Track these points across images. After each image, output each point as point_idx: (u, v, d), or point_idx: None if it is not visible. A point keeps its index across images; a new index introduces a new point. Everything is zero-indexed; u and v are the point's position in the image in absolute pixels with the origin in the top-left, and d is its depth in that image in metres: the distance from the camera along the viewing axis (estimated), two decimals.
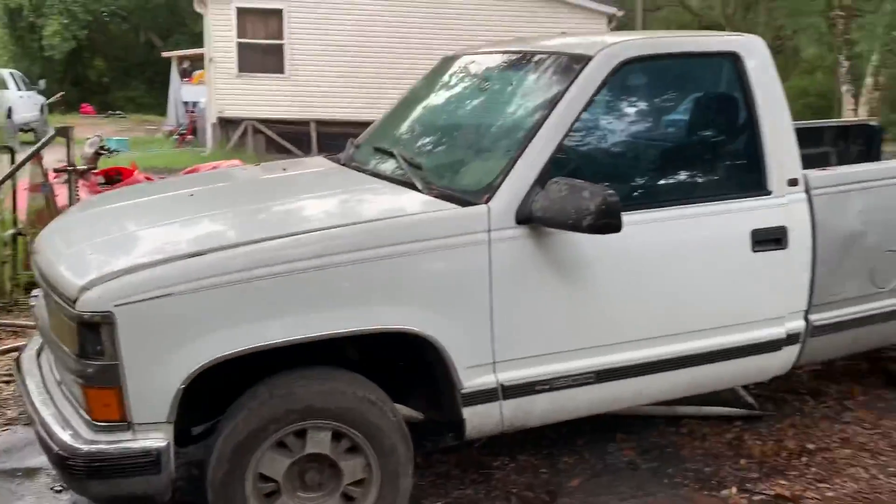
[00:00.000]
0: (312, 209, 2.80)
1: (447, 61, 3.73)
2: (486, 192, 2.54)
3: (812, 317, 3.06)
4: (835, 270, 3.05)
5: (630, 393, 2.83)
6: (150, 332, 2.19)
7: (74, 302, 2.18)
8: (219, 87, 16.17)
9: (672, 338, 2.79)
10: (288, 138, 16.48)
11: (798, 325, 3.03)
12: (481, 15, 16.70)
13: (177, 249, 2.34)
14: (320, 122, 16.56)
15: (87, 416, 2.25)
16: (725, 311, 2.87)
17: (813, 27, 23.72)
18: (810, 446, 3.38)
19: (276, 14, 15.89)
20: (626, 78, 2.83)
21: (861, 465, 3.23)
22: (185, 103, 22.34)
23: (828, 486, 3.06)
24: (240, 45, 15.95)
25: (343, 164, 3.34)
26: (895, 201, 3.18)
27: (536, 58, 3.06)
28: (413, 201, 2.63)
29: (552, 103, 2.70)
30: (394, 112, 3.74)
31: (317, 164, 3.58)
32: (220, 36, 15.96)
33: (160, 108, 30.79)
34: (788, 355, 3.06)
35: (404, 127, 3.50)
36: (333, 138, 16.13)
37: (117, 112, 29.10)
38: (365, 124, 15.68)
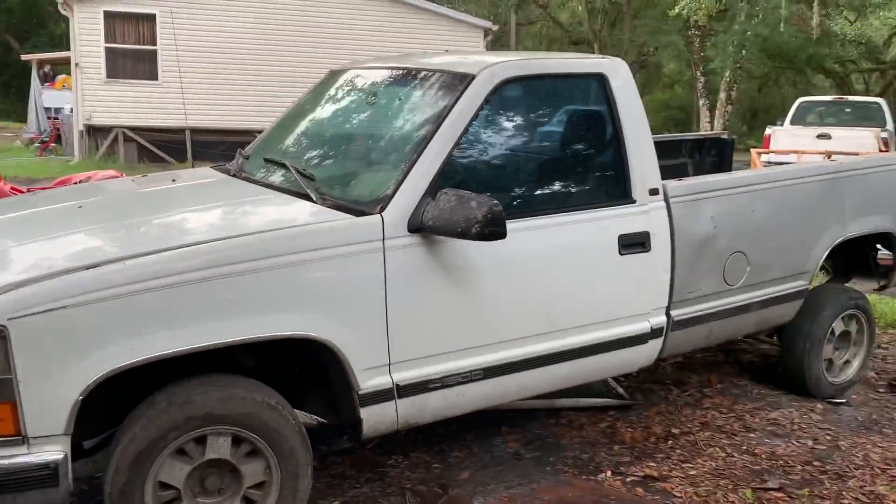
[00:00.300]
0: (205, 220, 2.84)
1: (334, 74, 3.84)
2: (379, 203, 2.68)
3: (673, 312, 3.39)
4: (692, 270, 3.39)
5: (515, 387, 3.03)
6: (45, 346, 2.18)
7: None
8: (86, 94, 15.45)
9: (551, 335, 3.02)
10: (161, 146, 15.96)
11: (661, 320, 3.34)
12: (364, 26, 16.84)
13: (70, 262, 2.33)
14: (195, 130, 16.12)
15: None
16: (597, 310, 3.14)
17: (672, 45, 25.35)
18: (675, 431, 3.71)
19: (149, 19, 15.38)
20: (505, 95, 3.04)
21: (718, 445, 3.59)
22: (47, 109, 21.10)
23: (690, 465, 3.38)
24: (108, 49, 15.31)
25: (233, 175, 3.39)
26: (742, 208, 3.57)
27: (423, 74, 3.23)
28: (308, 212, 2.73)
29: (440, 118, 2.87)
30: (282, 123, 3.81)
31: (206, 174, 3.59)
32: (87, 40, 15.27)
33: (17, 114, 28.91)
34: (653, 348, 3.37)
35: (294, 138, 3.58)
36: (208, 146, 15.80)
37: None
38: (241, 132, 15.62)
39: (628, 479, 3.24)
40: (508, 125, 3.11)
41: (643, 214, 3.21)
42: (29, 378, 2.17)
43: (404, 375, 2.72)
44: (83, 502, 2.89)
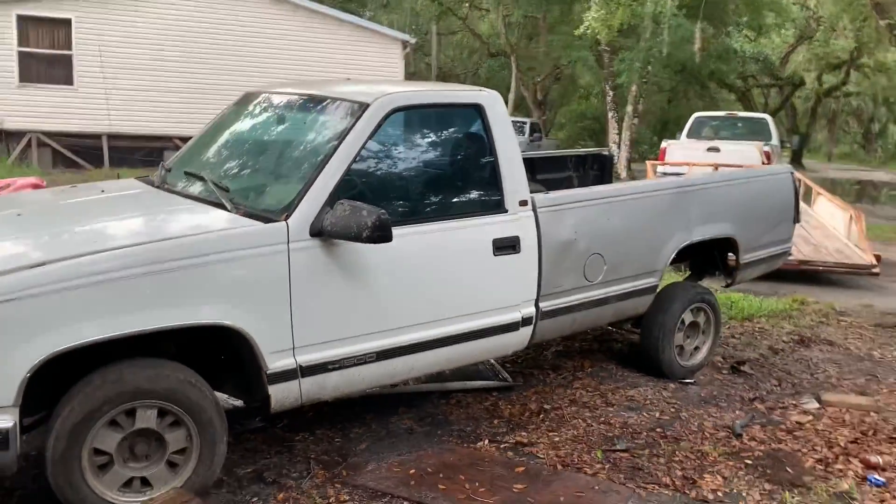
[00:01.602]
0: (132, 227, 3.28)
1: (249, 96, 4.32)
2: (285, 211, 3.18)
3: (541, 304, 4.00)
4: (556, 269, 4.01)
5: (404, 368, 3.58)
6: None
7: None
8: None
9: (434, 323, 3.58)
10: (77, 152, 15.89)
11: (530, 310, 3.95)
12: (285, 35, 17.16)
13: (15, 262, 2.75)
14: (112, 136, 16.15)
15: None
16: (475, 301, 3.71)
17: (582, 59, 26.49)
18: (546, 407, 4.33)
19: (65, 24, 15.32)
20: (395, 121, 3.59)
21: (581, 417, 4.22)
22: None
23: (556, 434, 3.99)
24: (21, 53, 15.17)
25: (157, 187, 3.82)
26: (599, 216, 4.21)
27: (326, 101, 3.76)
28: (223, 219, 3.21)
29: (339, 139, 3.39)
30: (200, 139, 4.25)
31: (132, 185, 4.00)
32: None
33: None
34: (524, 334, 3.97)
35: (211, 154, 4.03)
36: (126, 152, 15.89)
37: None
38: (156, 138, 15.82)
39: (502, 446, 3.83)
40: (398, 146, 3.66)
41: (514, 222, 3.81)
42: None
43: (306, 358, 3.22)
44: (20, 476, 3.27)
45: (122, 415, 2.90)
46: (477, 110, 3.81)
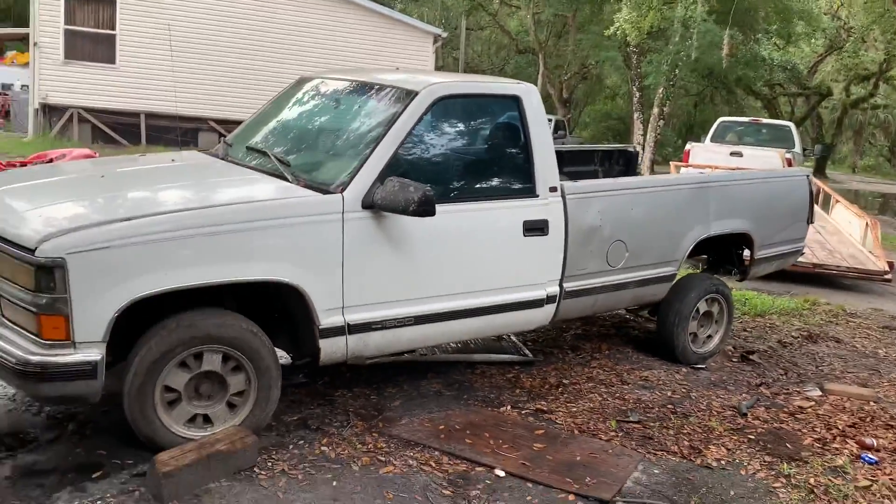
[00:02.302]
0: (214, 190, 3.66)
1: (302, 81, 4.68)
2: (340, 185, 3.53)
3: (565, 284, 4.32)
4: (581, 252, 4.33)
5: (438, 333, 3.92)
6: (92, 275, 2.96)
7: (33, 251, 2.91)
8: (43, 73, 15.78)
9: (467, 294, 3.92)
10: (116, 129, 16.37)
11: (555, 289, 4.28)
12: (323, 25, 17.53)
13: (110, 214, 3.13)
14: (149, 115, 16.61)
15: (35, 337, 2.97)
16: (504, 277, 4.05)
17: (610, 60, 26.65)
18: (565, 381, 4.66)
19: (110, 4, 15.79)
20: (441, 109, 3.92)
21: (597, 392, 4.54)
22: None
23: (573, 405, 4.32)
24: (67, 31, 15.67)
25: (222, 158, 4.19)
26: (623, 206, 4.53)
27: (378, 87, 4.11)
28: (286, 189, 3.57)
29: (389, 123, 3.74)
30: (258, 117, 4.61)
31: (198, 157, 4.38)
32: (47, 21, 15.60)
33: None
34: (548, 311, 4.30)
35: (269, 131, 4.38)
36: (162, 130, 16.33)
37: None
38: (192, 119, 16.38)
39: (523, 412, 4.16)
40: (442, 131, 3.99)
41: (543, 206, 4.14)
42: (78, 298, 2.95)
43: (353, 317, 3.57)
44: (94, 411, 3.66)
45: (191, 357, 3.26)
46: (515, 101, 4.14)
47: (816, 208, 12.03)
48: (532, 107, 4.17)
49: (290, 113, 4.46)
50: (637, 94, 24.56)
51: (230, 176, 3.86)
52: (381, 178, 3.56)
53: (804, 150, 18.84)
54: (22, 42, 22.90)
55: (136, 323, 3.22)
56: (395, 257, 3.66)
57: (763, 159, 13.61)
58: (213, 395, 3.38)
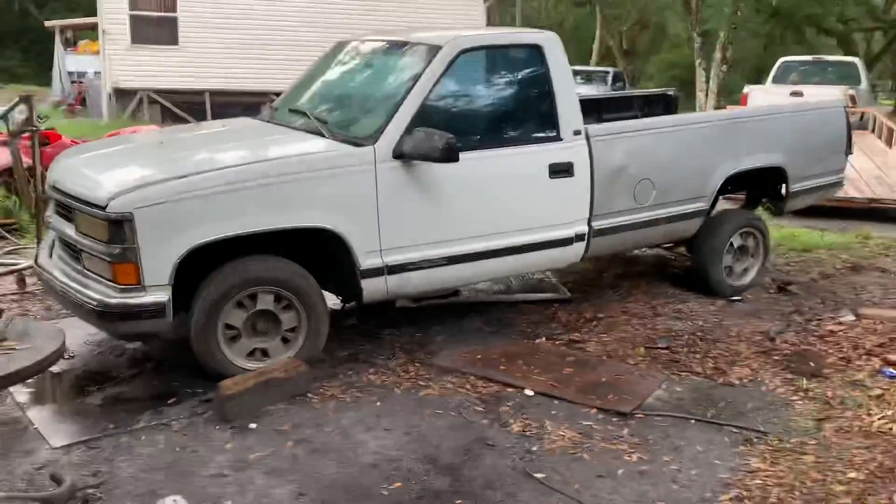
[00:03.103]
0: (260, 148, 4.03)
1: (340, 45, 5.00)
2: (373, 138, 3.85)
3: (593, 223, 4.55)
4: (608, 192, 4.55)
5: (470, 273, 4.24)
6: (157, 226, 3.38)
7: (105, 208, 3.35)
8: (113, 59, 16.58)
9: (497, 235, 4.20)
10: (183, 108, 17.10)
11: (583, 228, 4.52)
12: None
13: (169, 173, 3.54)
14: (213, 92, 17.27)
15: (111, 283, 3.42)
16: (534, 217, 4.31)
17: (669, 7, 26.02)
18: (600, 315, 4.91)
19: None
20: (464, 61, 4.17)
21: (630, 324, 4.77)
22: (70, 73, 22.22)
23: (606, 335, 4.57)
24: (132, 17, 16.39)
25: (268, 121, 4.57)
26: (648, 145, 4.71)
27: (406, 45, 4.39)
28: (324, 144, 3.91)
29: (416, 78, 4.03)
30: (300, 82, 4.96)
31: (245, 121, 4.77)
32: (113, 8, 16.35)
33: (38, 77, 29.97)
34: (578, 249, 4.55)
35: (310, 93, 4.73)
36: (226, 107, 16.94)
37: None
38: (254, 94, 17.05)
39: (557, 342, 4.45)
40: (467, 82, 4.26)
41: (568, 149, 4.36)
42: (146, 247, 3.37)
43: (391, 259, 3.91)
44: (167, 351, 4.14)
45: (247, 298, 3.67)
46: (537, 50, 4.35)
47: (878, 142, 11.75)
48: (554, 55, 4.37)
49: (328, 75, 4.80)
50: (698, 41, 23.99)
51: (273, 136, 4.23)
52: (410, 129, 3.86)
53: (873, 85, 18.18)
54: (92, 31, 23.97)
55: (199, 270, 3.64)
56: (427, 202, 3.97)
57: (825, 98, 13.26)
58: (269, 331, 3.78)
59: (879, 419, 3.48)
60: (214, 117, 17.05)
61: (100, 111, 17.79)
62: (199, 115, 16.98)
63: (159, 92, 16.95)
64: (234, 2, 16.83)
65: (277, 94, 16.96)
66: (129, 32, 16.45)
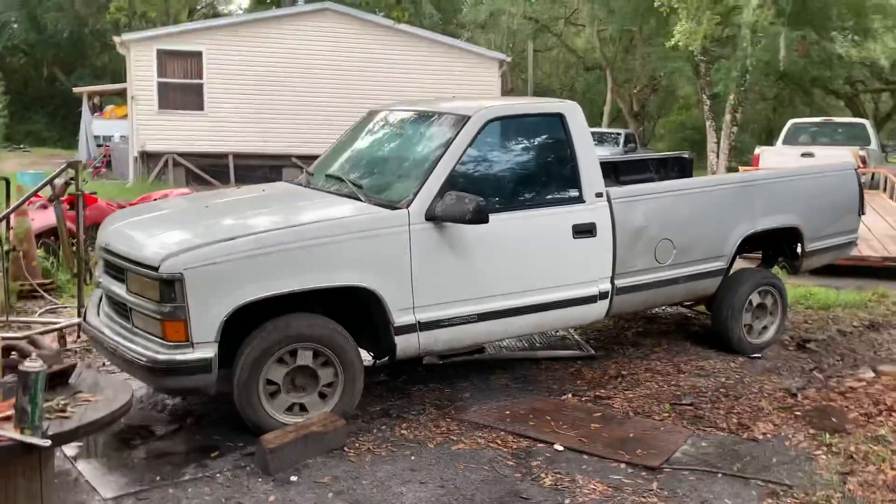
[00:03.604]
0: (300, 212, 4.26)
1: (372, 114, 5.28)
2: (406, 201, 4.07)
3: (616, 281, 4.72)
4: (629, 251, 4.72)
5: (500, 329, 4.39)
6: (205, 286, 3.57)
7: (157, 268, 3.55)
8: (140, 123, 17.14)
9: (525, 293, 4.37)
10: (207, 170, 17.58)
11: (606, 286, 4.68)
12: (394, 59, 18.41)
13: (216, 236, 3.76)
14: (237, 155, 17.76)
15: (160, 340, 3.60)
16: (558, 276, 4.48)
17: (678, 70, 26.63)
18: (624, 373, 5.02)
19: (196, 56, 17.10)
20: (492, 129, 4.42)
21: (654, 381, 4.89)
22: (96, 137, 22.89)
23: (631, 392, 4.69)
24: (160, 84, 17.02)
25: (305, 186, 4.81)
26: (668, 206, 4.90)
27: (435, 115, 4.65)
28: (360, 207, 4.13)
29: (447, 145, 4.27)
30: (335, 148, 5.22)
31: (284, 186, 5.02)
32: (142, 76, 16.99)
33: (63, 141, 30.90)
34: (602, 307, 4.71)
35: (345, 159, 4.98)
36: (248, 170, 17.43)
37: (20, 146, 28.95)
38: (276, 157, 17.55)
39: (583, 399, 4.57)
40: (494, 149, 4.50)
41: (591, 210, 4.57)
42: (195, 306, 3.56)
43: (423, 316, 4.08)
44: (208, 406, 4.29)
45: (287, 354, 3.83)
46: (559, 119, 4.60)
47: (889, 201, 11.93)
48: (575, 122, 4.62)
49: (361, 142, 5.06)
50: (708, 103, 24.48)
51: (312, 200, 4.46)
52: (441, 193, 4.08)
53: (883, 146, 18.44)
54: (119, 97, 24.77)
55: (241, 329, 3.82)
56: (458, 261, 4.16)
57: (835, 159, 13.50)
58: (307, 386, 3.93)
59: None
60: (237, 179, 17.51)
61: (125, 173, 18.29)
62: (223, 178, 17.45)
63: (184, 155, 17.45)
64: (257, 69, 17.46)
65: (299, 158, 17.44)
66: (156, 98, 17.04)
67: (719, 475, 3.58)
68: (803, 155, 13.96)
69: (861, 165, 13.75)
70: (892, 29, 30.55)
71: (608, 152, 19.69)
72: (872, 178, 13.95)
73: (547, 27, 33.27)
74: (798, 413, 4.34)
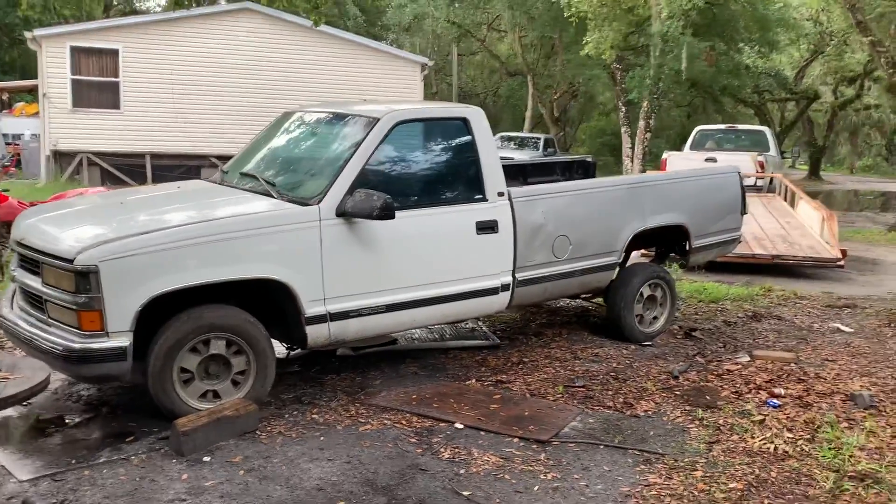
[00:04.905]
0: (213, 208, 4.43)
1: (287, 115, 5.48)
2: (317, 198, 4.30)
3: (517, 274, 5.07)
4: (528, 246, 5.08)
5: (407, 319, 4.67)
6: (120, 278, 3.72)
7: (72, 261, 3.68)
8: (53, 122, 16.71)
9: (431, 285, 4.66)
10: (123, 170, 17.27)
11: (508, 279, 5.02)
12: (315, 61, 18.47)
13: (131, 230, 3.91)
14: (154, 155, 17.51)
15: (76, 329, 3.73)
16: (463, 269, 4.79)
17: (595, 77, 27.56)
18: (525, 360, 5.38)
19: (112, 53, 16.78)
20: (401, 131, 4.69)
21: (552, 367, 5.26)
22: (5, 135, 22.09)
23: (530, 376, 5.04)
24: (74, 81, 16.63)
25: (219, 184, 4.98)
26: (564, 205, 5.28)
27: (347, 117, 4.90)
28: (273, 204, 4.35)
29: (357, 146, 4.52)
30: (249, 148, 5.41)
31: (199, 183, 5.17)
32: (54, 73, 16.56)
33: None
34: (504, 298, 5.04)
35: (259, 158, 5.17)
36: (166, 169, 17.23)
37: None
38: (194, 157, 17.48)
39: (485, 383, 4.89)
40: (402, 149, 4.77)
41: (493, 209, 4.90)
42: (109, 297, 3.70)
43: (333, 307, 4.32)
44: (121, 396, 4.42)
45: (201, 343, 4.02)
46: (464, 122, 4.92)
47: (783, 204, 12.79)
48: (480, 126, 4.95)
49: (275, 142, 5.26)
50: (623, 109, 25.42)
51: (226, 196, 4.64)
52: (351, 190, 4.33)
53: (782, 153, 19.63)
54: (29, 93, 23.96)
55: (156, 318, 3.98)
56: (367, 255, 4.42)
57: (735, 163, 14.34)
58: (220, 374, 4.12)
59: (760, 440, 4.01)
60: (155, 179, 17.26)
61: (36, 173, 17.77)
62: (140, 178, 17.17)
63: (99, 154, 17.10)
64: (175, 68, 17.25)
65: (217, 158, 17.32)
66: (70, 96, 16.65)
67: (601, 447, 3.96)
68: (707, 160, 14.77)
69: (759, 170, 14.72)
70: (795, 42, 32.37)
71: (528, 156, 20.29)
72: (770, 182, 14.90)
73: (470, 32, 33.81)
74: (678, 393, 4.78)
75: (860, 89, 35.91)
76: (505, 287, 5.02)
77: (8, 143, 21.75)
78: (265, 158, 5.14)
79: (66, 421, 4.11)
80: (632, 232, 5.66)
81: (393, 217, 4.23)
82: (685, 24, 20.78)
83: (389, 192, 4.34)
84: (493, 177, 4.94)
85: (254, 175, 4.79)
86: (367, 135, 4.55)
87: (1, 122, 22.26)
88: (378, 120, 4.62)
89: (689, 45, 21.30)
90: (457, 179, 4.94)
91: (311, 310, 4.25)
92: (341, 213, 4.30)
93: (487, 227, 4.87)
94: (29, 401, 4.16)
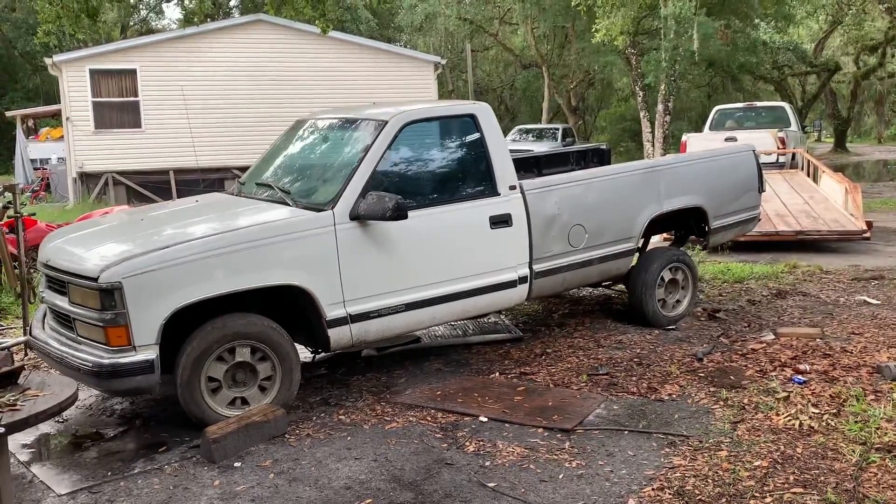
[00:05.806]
0: (231, 219, 4.53)
1: (299, 122, 5.57)
2: (331, 203, 4.38)
3: (534, 266, 5.10)
4: (544, 237, 5.11)
5: (427, 316, 4.72)
6: (143, 293, 3.82)
7: (96, 279, 3.79)
8: (77, 144, 17.06)
9: (449, 282, 4.72)
10: (148, 187, 17.56)
11: (525, 271, 5.06)
12: (331, 66, 18.63)
13: (152, 246, 4.01)
14: (178, 171, 17.78)
15: (104, 345, 3.84)
16: (479, 264, 4.83)
17: (611, 64, 27.39)
18: (549, 350, 5.41)
19: (130, 73, 17.07)
20: (409, 132, 4.75)
21: (576, 356, 5.28)
22: (33, 161, 22.58)
23: (553, 367, 5.07)
24: (95, 103, 16.95)
25: (237, 195, 5.08)
26: (578, 194, 5.30)
27: (357, 121, 4.97)
28: (288, 212, 4.43)
29: (367, 149, 4.59)
30: (264, 158, 5.50)
31: (217, 196, 5.27)
32: (76, 96, 16.90)
33: None
34: (522, 290, 5.08)
35: (274, 167, 5.27)
36: (190, 184, 17.46)
37: None
38: (218, 170, 17.68)
39: (509, 376, 4.93)
40: (412, 149, 4.83)
41: (505, 202, 4.94)
42: (134, 312, 3.81)
43: (353, 309, 4.39)
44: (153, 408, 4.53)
45: (226, 352, 4.11)
46: (472, 119, 4.96)
47: (806, 179, 12.63)
48: (487, 122, 4.99)
49: (288, 150, 5.35)
50: (640, 94, 25.25)
51: (243, 207, 4.73)
52: (363, 193, 4.40)
53: (803, 127, 19.35)
54: (53, 118, 24.47)
55: (183, 330, 4.08)
56: (383, 256, 4.48)
57: (756, 141, 14.14)
58: (247, 381, 4.21)
59: (785, 417, 4.00)
60: (179, 195, 17.53)
61: (65, 195, 18.14)
62: (165, 194, 17.44)
63: (124, 173, 17.41)
64: (194, 84, 17.50)
65: (239, 169, 17.49)
66: (92, 118, 16.97)
67: (626, 432, 3.97)
68: (727, 139, 14.63)
69: (780, 146, 14.55)
70: (812, 14, 31.88)
71: (547, 147, 20.25)
72: (793, 158, 14.72)
73: (482, 27, 33.80)
74: (702, 375, 4.77)
75: (882, 57, 35.28)
76: (523, 279, 5.06)
77: (36, 169, 22.26)
78: (280, 167, 5.23)
79: (102, 434, 4.23)
80: (648, 217, 5.66)
81: (405, 217, 4.29)
82: (697, 3, 20.59)
83: (401, 192, 4.40)
84: (504, 171, 4.97)
85: (269, 184, 4.88)
86: (377, 138, 4.61)
87: (28, 148, 22.76)
88: (386, 122, 4.68)
89: (703, 24, 21.11)
90: (468, 176, 4.99)
91: (331, 313, 4.32)
92: (355, 216, 4.36)
93: (501, 221, 4.90)
94: (63, 417, 4.29)
